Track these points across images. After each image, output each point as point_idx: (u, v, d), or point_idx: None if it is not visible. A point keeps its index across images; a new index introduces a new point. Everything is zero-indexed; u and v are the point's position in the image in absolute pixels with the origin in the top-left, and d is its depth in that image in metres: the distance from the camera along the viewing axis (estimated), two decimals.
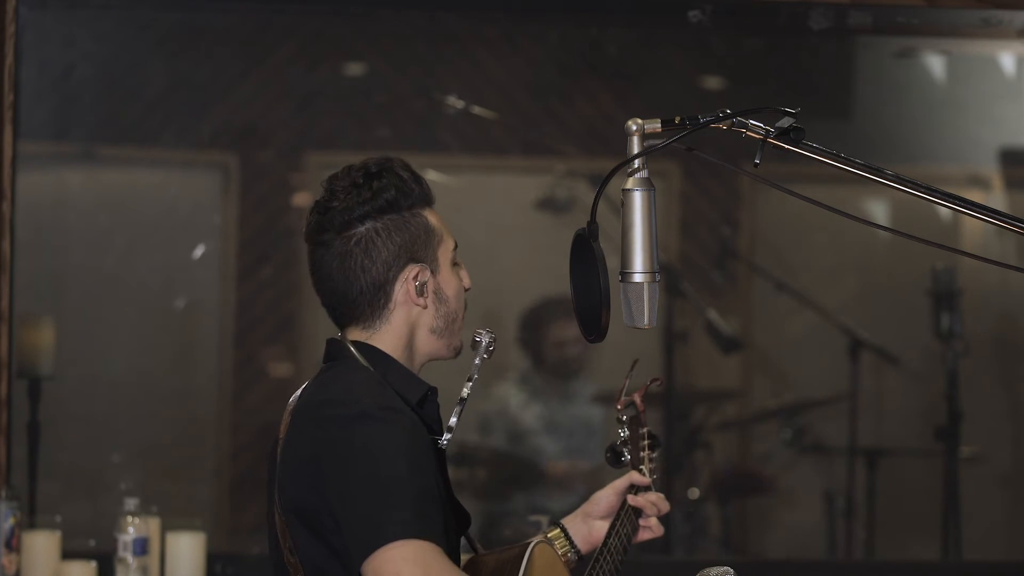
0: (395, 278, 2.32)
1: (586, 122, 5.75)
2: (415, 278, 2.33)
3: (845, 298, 5.76)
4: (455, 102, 5.20)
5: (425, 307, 2.34)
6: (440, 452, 2.35)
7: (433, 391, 2.36)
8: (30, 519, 3.98)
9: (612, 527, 2.55)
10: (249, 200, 5.63)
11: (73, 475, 4.93)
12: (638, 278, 2.01)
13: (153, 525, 3.72)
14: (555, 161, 5.61)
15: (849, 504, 5.50)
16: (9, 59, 3.86)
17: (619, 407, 2.66)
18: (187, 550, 3.74)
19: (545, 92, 5.67)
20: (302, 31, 5.45)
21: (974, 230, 5.80)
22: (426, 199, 2.36)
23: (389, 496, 2.11)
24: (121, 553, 3.59)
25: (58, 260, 5.12)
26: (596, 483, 5.40)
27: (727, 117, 1.96)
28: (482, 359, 2.42)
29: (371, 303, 2.33)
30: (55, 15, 4.68)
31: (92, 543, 4.05)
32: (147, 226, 5.37)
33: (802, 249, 5.81)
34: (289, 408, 2.37)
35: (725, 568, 2.37)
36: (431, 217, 2.36)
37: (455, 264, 2.39)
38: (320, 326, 5.55)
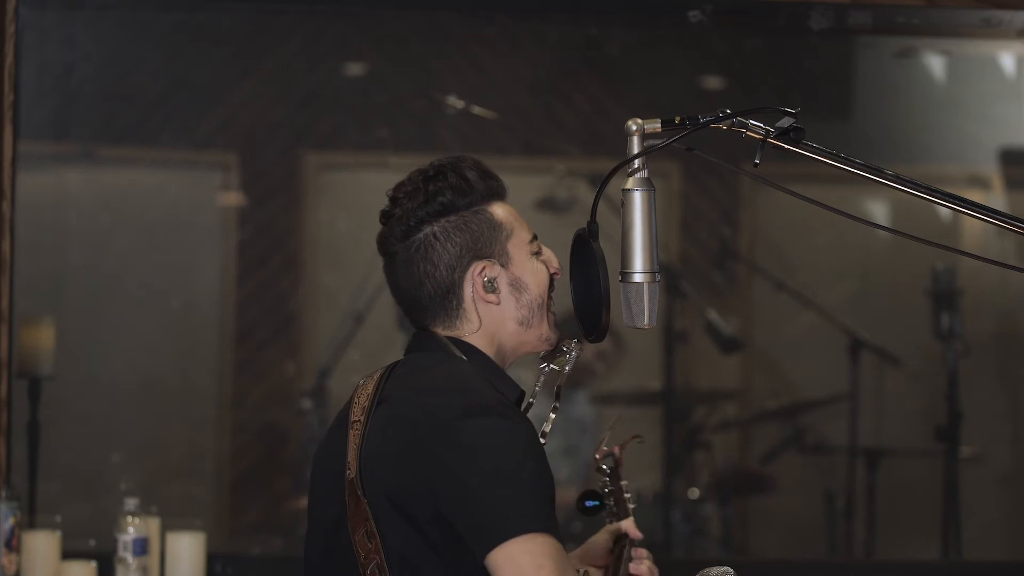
0: (461, 278, 2.30)
1: (586, 122, 5.75)
2: (481, 274, 2.30)
3: (845, 298, 5.76)
4: (455, 102, 5.19)
5: (498, 302, 2.31)
6: None
7: (523, 394, 2.36)
8: (30, 519, 3.98)
9: (618, 571, 2.52)
10: (249, 200, 5.63)
11: (73, 475, 4.93)
12: (638, 278, 2.01)
13: (153, 525, 3.71)
14: (555, 161, 5.62)
15: (849, 504, 5.50)
16: (9, 59, 3.86)
17: (598, 457, 2.65)
18: (187, 550, 3.73)
19: (545, 92, 5.67)
20: (302, 31, 5.45)
21: (974, 230, 5.80)
22: (491, 195, 2.33)
23: (521, 490, 2.09)
24: (121, 553, 3.59)
25: (58, 260, 5.12)
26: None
27: (727, 117, 1.96)
28: (570, 368, 2.41)
29: (443, 306, 2.32)
30: (55, 15, 4.68)
31: (92, 543, 4.05)
32: (147, 226, 5.37)
33: (802, 249, 5.81)
34: (366, 392, 2.30)
35: (725, 568, 2.37)
36: (498, 211, 2.33)
37: (537, 254, 2.36)
38: (320, 326, 5.57)
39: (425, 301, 2.32)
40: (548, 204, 5.50)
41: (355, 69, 5.60)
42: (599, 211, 2.08)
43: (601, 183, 2.03)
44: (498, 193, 2.35)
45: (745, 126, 1.95)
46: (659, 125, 1.99)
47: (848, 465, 5.49)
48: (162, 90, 5.32)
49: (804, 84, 5.62)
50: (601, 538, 2.57)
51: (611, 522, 2.58)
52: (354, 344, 5.15)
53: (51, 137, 5.06)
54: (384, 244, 2.34)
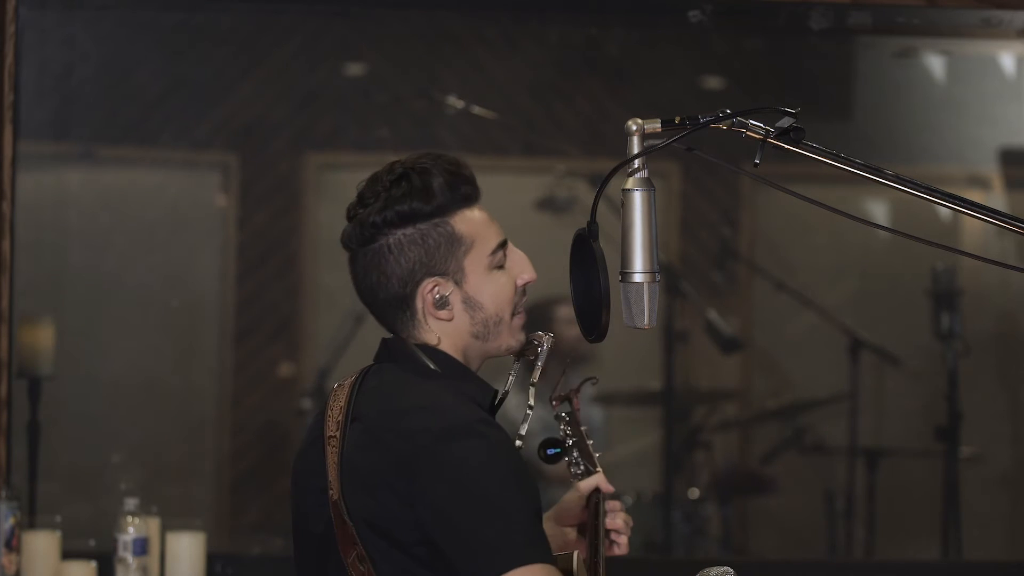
0: (413, 293, 2.27)
1: (586, 122, 5.75)
2: (432, 291, 2.27)
3: (845, 298, 5.76)
4: (455, 102, 5.19)
5: (450, 319, 2.27)
6: None
7: (496, 394, 2.32)
8: (30, 519, 3.98)
9: (596, 532, 2.48)
10: (249, 200, 5.63)
11: (73, 475, 4.93)
12: (638, 278, 2.01)
13: (153, 525, 3.71)
14: (555, 161, 5.61)
15: (849, 504, 5.50)
16: (9, 59, 3.86)
17: (554, 404, 2.64)
18: (187, 550, 3.73)
19: (545, 92, 5.67)
20: (302, 31, 5.45)
21: (974, 230, 5.80)
22: (457, 203, 2.27)
23: (505, 521, 2.07)
24: (121, 553, 3.59)
25: (58, 260, 5.12)
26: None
27: (727, 117, 1.96)
28: (542, 364, 2.37)
29: (398, 315, 2.29)
30: (55, 15, 4.68)
31: (92, 543, 4.04)
32: (147, 226, 5.37)
33: (802, 249, 5.81)
34: (338, 404, 2.27)
35: (725, 568, 2.37)
36: (460, 224, 2.27)
37: (498, 267, 2.31)
38: (320, 326, 5.57)
39: (381, 307, 2.30)
40: (548, 204, 5.49)
41: (355, 69, 5.60)
42: (599, 211, 2.08)
43: (601, 183, 2.03)
44: (467, 200, 2.29)
45: (745, 126, 1.95)
46: (659, 125, 1.99)
47: (848, 465, 5.49)
48: (162, 90, 5.32)
49: (804, 84, 5.61)
50: (573, 497, 2.54)
51: (580, 478, 2.54)
52: (354, 344, 5.14)
53: (51, 137, 5.06)
54: (345, 242, 2.30)
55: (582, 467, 2.57)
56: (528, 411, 2.35)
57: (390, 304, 2.28)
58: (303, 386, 5.48)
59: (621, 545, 2.53)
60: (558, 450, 2.58)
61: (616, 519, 2.52)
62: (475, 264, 2.29)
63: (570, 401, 2.64)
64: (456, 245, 2.27)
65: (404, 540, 2.14)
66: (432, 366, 2.27)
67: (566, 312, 5.23)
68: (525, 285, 2.35)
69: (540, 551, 2.08)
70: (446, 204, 2.27)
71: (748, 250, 5.93)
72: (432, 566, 2.13)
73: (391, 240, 2.25)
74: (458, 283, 2.28)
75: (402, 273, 2.26)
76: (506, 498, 2.09)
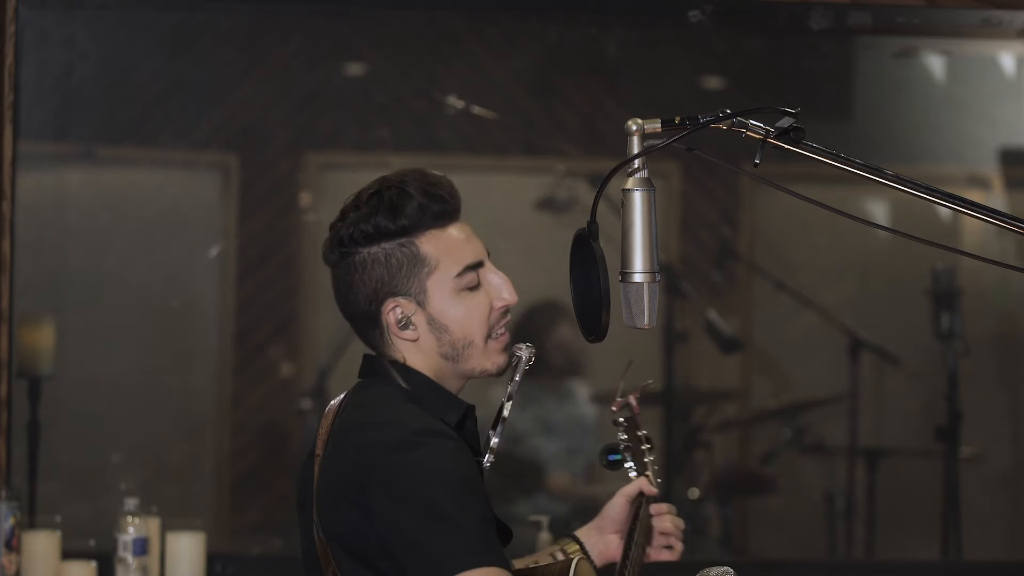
0: (378, 311, 2.29)
1: (586, 122, 5.75)
2: (394, 311, 2.28)
3: (845, 298, 5.76)
4: (455, 102, 5.19)
5: (416, 339, 2.28)
6: (481, 471, 2.31)
7: (471, 409, 2.32)
8: (30, 519, 3.98)
9: (631, 537, 2.49)
10: (249, 200, 5.63)
11: (73, 475, 4.92)
12: (638, 278, 2.01)
13: (153, 525, 3.71)
14: (555, 161, 5.61)
15: (849, 504, 5.50)
16: (9, 59, 3.86)
17: (615, 409, 2.63)
18: (187, 550, 3.73)
19: (545, 92, 5.66)
20: (302, 31, 5.45)
21: (974, 230, 5.80)
22: (424, 223, 2.27)
23: (451, 525, 2.08)
24: (121, 553, 3.59)
25: (58, 260, 5.11)
26: (595, 486, 5.41)
27: (727, 117, 1.96)
28: (522, 375, 2.36)
29: (368, 332, 2.32)
30: (55, 15, 4.68)
31: (92, 543, 4.04)
32: (147, 226, 5.36)
33: (802, 249, 5.81)
34: (326, 423, 2.30)
35: (725, 568, 2.37)
36: (427, 244, 2.27)
37: (473, 287, 2.30)
38: (320, 326, 5.57)
39: (356, 322, 2.34)
40: (548, 204, 5.49)
41: (355, 69, 5.60)
42: (599, 211, 2.08)
43: (601, 183, 2.03)
44: (439, 219, 2.28)
45: (745, 126, 1.95)
46: (659, 125, 1.99)
47: (848, 465, 5.49)
48: (162, 90, 5.32)
49: (804, 84, 5.61)
50: (615, 503, 2.55)
51: (635, 478, 2.54)
52: (354, 344, 5.13)
53: (51, 137, 5.06)
54: (324, 257, 2.34)
55: (635, 472, 2.57)
56: (500, 422, 2.34)
57: (360, 320, 2.32)
58: (303, 386, 5.48)
59: (674, 549, 2.55)
60: (618, 456, 2.59)
61: (664, 521, 2.52)
62: (438, 286, 2.28)
63: (630, 405, 2.64)
64: (419, 266, 2.27)
65: (369, 555, 2.16)
66: (402, 383, 2.28)
67: (556, 331, 5.25)
68: (505, 307, 2.33)
69: (489, 553, 2.08)
70: (415, 224, 2.27)
71: (748, 250, 5.93)
72: None
73: (357, 258, 2.28)
74: (420, 304, 2.28)
75: (367, 292, 2.28)
76: (452, 505, 2.09)
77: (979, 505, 5.32)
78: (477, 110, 5.22)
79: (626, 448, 2.58)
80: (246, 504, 5.63)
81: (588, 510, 5.24)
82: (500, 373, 2.34)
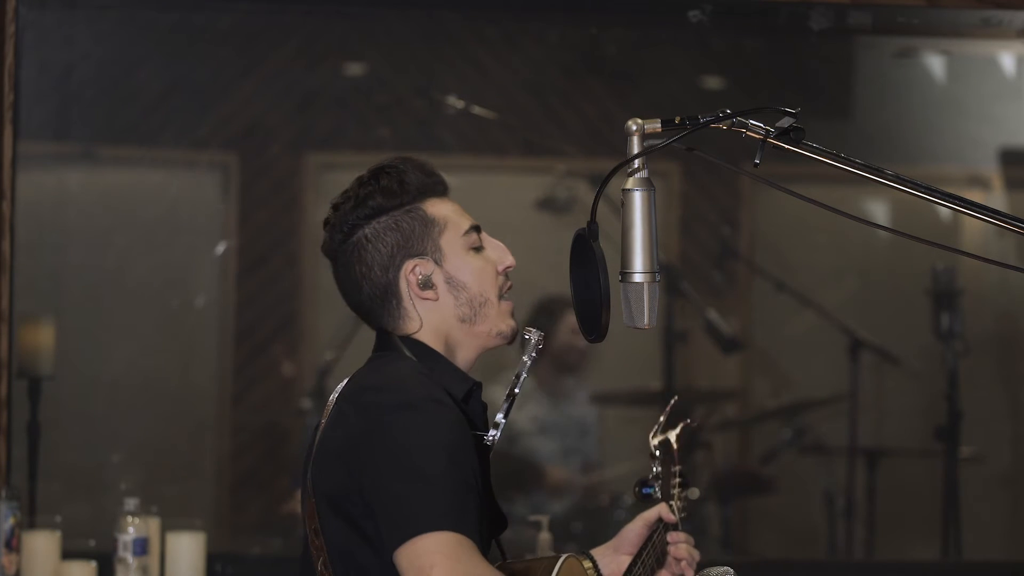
0: (396, 278, 2.33)
1: (586, 122, 5.75)
2: (414, 272, 2.32)
3: (845, 298, 5.76)
4: (455, 102, 5.19)
5: (436, 299, 2.33)
6: (485, 449, 2.34)
7: (478, 386, 2.36)
8: (30, 519, 3.98)
9: (637, 557, 2.54)
10: (249, 200, 5.63)
11: (73, 475, 4.92)
12: (638, 278, 2.01)
13: (153, 525, 3.72)
14: (555, 161, 5.61)
15: (849, 504, 5.50)
16: (9, 59, 3.87)
17: (654, 442, 2.66)
18: (187, 550, 3.74)
19: (545, 92, 5.67)
20: (302, 31, 5.45)
21: (974, 230, 5.80)
22: (426, 192, 2.35)
23: (427, 486, 2.10)
24: (121, 553, 3.59)
25: (58, 260, 5.11)
26: (594, 486, 5.41)
27: (727, 117, 1.96)
28: (531, 357, 2.40)
29: (384, 306, 2.34)
30: (55, 15, 4.68)
31: (92, 543, 4.05)
32: (147, 226, 5.37)
33: (802, 249, 5.81)
34: (334, 394, 2.35)
35: (725, 568, 2.38)
36: (431, 208, 2.35)
37: (477, 248, 2.37)
38: (320, 326, 5.57)
39: (367, 303, 2.35)
40: (548, 204, 5.49)
41: (355, 69, 5.60)
42: (599, 211, 2.08)
43: (601, 183, 2.03)
44: (435, 190, 2.37)
45: (745, 126, 1.95)
46: (659, 125, 1.99)
47: (848, 465, 5.49)
48: (162, 90, 5.31)
49: (804, 84, 5.61)
50: (634, 526, 2.60)
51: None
52: (354, 344, 5.14)
53: (51, 137, 5.06)
54: (326, 250, 2.38)
55: (657, 495, 2.62)
56: (506, 402, 2.37)
57: (376, 295, 2.34)
58: (303, 386, 5.48)
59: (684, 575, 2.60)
60: (651, 489, 2.63)
61: (679, 549, 2.60)
62: (451, 244, 2.35)
63: (668, 440, 2.67)
64: (431, 226, 2.34)
65: (353, 513, 2.19)
66: (408, 353, 2.32)
67: (556, 331, 5.25)
68: (506, 270, 2.39)
69: (458, 520, 2.10)
70: (416, 193, 2.34)
71: (748, 250, 5.93)
72: (375, 543, 2.17)
73: (367, 231, 2.33)
74: (438, 263, 2.34)
75: (382, 260, 2.32)
76: (435, 469, 2.12)
77: (979, 505, 5.32)
78: (477, 110, 5.22)
79: (655, 478, 2.61)
80: (246, 504, 5.64)
81: (588, 509, 5.25)
82: (510, 340, 2.39)
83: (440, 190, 2.38)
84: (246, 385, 5.61)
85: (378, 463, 2.15)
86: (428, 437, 2.15)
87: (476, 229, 2.38)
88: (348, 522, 2.20)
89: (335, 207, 2.36)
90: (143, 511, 3.67)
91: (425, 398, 2.19)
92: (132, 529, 3.59)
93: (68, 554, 3.75)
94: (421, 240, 2.33)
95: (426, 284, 2.33)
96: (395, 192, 2.33)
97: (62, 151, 5.25)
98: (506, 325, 2.37)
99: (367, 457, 2.17)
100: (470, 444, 2.23)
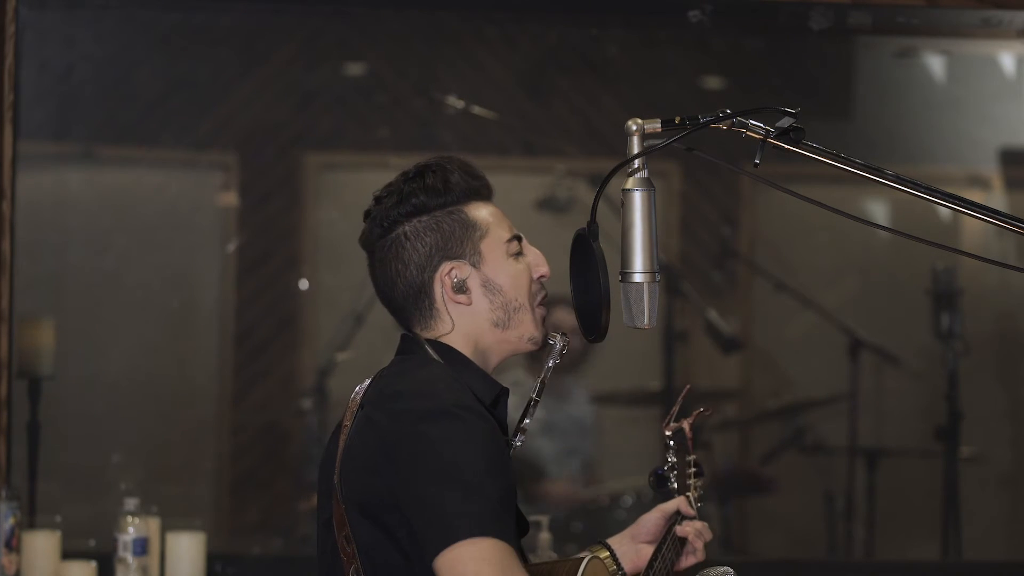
0: (431, 279, 2.31)
1: (586, 122, 5.75)
2: (450, 274, 2.31)
3: (845, 298, 5.76)
4: (455, 102, 5.19)
5: (469, 303, 2.31)
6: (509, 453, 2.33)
7: (505, 392, 2.35)
8: (30, 519, 3.98)
9: (657, 551, 2.54)
10: (249, 200, 5.63)
11: (73, 475, 4.92)
12: (638, 278, 2.01)
13: (153, 525, 3.71)
14: (555, 161, 5.61)
15: (849, 504, 5.50)
16: (9, 59, 3.86)
17: (668, 432, 2.66)
18: (187, 550, 3.74)
19: (545, 92, 5.66)
20: (302, 31, 5.45)
21: (974, 230, 5.80)
22: (470, 195, 2.33)
23: (467, 493, 2.08)
24: (121, 553, 3.59)
25: (58, 260, 5.11)
26: (594, 487, 5.41)
27: (727, 117, 1.96)
28: (554, 362, 2.40)
29: (416, 306, 2.33)
30: (55, 15, 4.68)
31: (92, 543, 4.05)
32: (147, 226, 5.37)
33: (802, 249, 5.81)
34: (356, 397, 2.32)
35: (725, 568, 2.38)
36: (474, 211, 2.33)
37: (517, 254, 2.35)
38: (320, 326, 5.57)
39: (400, 300, 2.34)
40: (548, 204, 5.49)
41: (355, 69, 5.60)
42: (599, 211, 2.08)
43: (601, 183, 2.03)
44: (480, 193, 2.35)
45: (745, 126, 1.95)
46: (659, 125, 1.99)
47: (848, 465, 5.49)
48: (162, 90, 5.32)
49: (804, 84, 5.62)
50: (651, 516, 2.59)
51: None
52: (354, 344, 5.15)
53: (51, 137, 5.06)
54: (364, 242, 2.36)
55: (677, 489, 2.62)
56: (531, 406, 2.37)
57: (410, 294, 2.32)
58: (303, 386, 5.48)
59: (697, 551, 2.61)
60: (666, 478, 2.63)
61: (686, 527, 2.58)
62: (492, 248, 2.33)
63: (683, 430, 2.67)
64: (471, 230, 2.33)
65: (387, 521, 2.17)
66: (437, 358, 2.30)
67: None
68: (541, 279, 2.38)
69: (498, 527, 2.08)
70: (460, 195, 2.33)
71: (748, 250, 5.93)
72: (408, 552, 2.15)
73: (407, 228, 2.31)
74: (475, 266, 2.32)
75: (419, 259, 2.31)
76: (473, 476, 2.10)
77: (979, 505, 5.32)
78: (477, 110, 5.22)
79: (671, 469, 2.61)
80: (246, 504, 5.63)
81: (588, 509, 5.25)
82: (541, 346, 2.38)
83: (484, 193, 2.36)
84: (246, 385, 5.62)
85: (416, 471, 2.12)
86: (466, 444, 2.13)
87: (518, 239, 2.37)
88: (381, 529, 2.18)
89: (377, 199, 2.34)
90: (143, 511, 3.67)
91: (459, 405, 2.17)
92: (132, 529, 3.59)
93: (68, 554, 3.74)
94: (460, 243, 2.31)
95: (460, 288, 2.31)
96: (439, 191, 2.31)
97: (62, 151, 5.25)
98: (539, 331, 2.36)
99: (404, 465, 2.14)
100: (506, 452, 2.22)
